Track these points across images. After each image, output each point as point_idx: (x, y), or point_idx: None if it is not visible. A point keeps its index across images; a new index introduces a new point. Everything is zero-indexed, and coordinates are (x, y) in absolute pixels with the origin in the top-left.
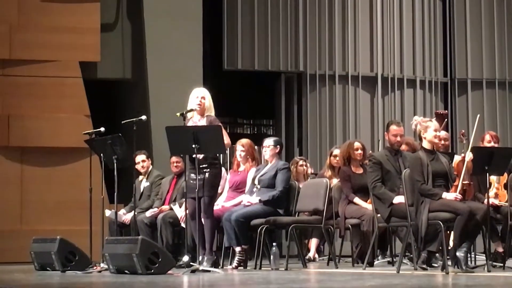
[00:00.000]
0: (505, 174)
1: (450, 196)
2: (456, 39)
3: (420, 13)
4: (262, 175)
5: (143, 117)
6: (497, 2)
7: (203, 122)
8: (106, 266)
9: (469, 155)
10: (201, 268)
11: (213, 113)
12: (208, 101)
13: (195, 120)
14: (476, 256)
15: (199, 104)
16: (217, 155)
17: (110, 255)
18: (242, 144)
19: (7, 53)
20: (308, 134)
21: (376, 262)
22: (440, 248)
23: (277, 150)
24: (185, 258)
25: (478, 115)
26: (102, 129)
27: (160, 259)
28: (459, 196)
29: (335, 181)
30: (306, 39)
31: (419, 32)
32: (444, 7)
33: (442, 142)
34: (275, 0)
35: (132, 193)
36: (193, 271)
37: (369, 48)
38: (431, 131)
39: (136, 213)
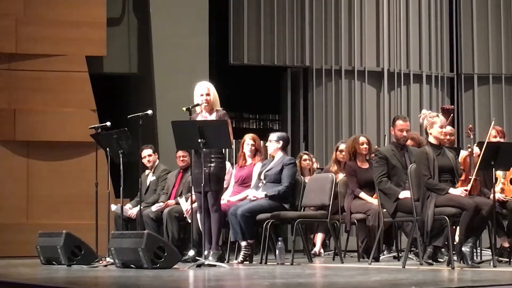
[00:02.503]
0: (511, 169)
1: (456, 191)
2: (463, 34)
3: (427, 8)
4: (268, 170)
5: (149, 112)
6: None
7: (213, 117)
8: (112, 261)
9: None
10: (206, 262)
11: (218, 105)
12: (213, 95)
13: (204, 115)
14: (482, 251)
15: (206, 105)
16: (223, 149)
17: (116, 249)
18: (252, 138)
19: (13, 47)
20: (314, 129)
21: (381, 257)
22: (446, 243)
23: (279, 145)
24: (191, 253)
25: (493, 120)
26: (108, 123)
27: (165, 254)
28: (464, 192)
29: (341, 175)
30: (312, 33)
31: (425, 27)
32: (450, 1)
33: (448, 137)
34: None
35: (138, 187)
36: (198, 266)
37: (375, 43)
38: (436, 127)
39: (142, 207)
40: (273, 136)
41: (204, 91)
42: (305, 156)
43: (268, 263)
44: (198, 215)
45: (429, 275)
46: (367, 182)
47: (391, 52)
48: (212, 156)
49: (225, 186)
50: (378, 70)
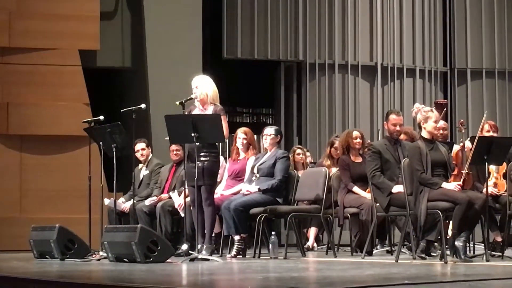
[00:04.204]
0: (504, 164)
1: (450, 185)
2: (456, 29)
3: (420, 2)
4: (261, 164)
5: (143, 106)
6: None
7: (209, 111)
8: (105, 254)
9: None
10: (200, 256)
11: (216, 100)
12: (203, 90)
13: (200, 109)
14: (475, 246)
15: (197, 98)
16: (216, 143)
17: (109, 243)
18: (244, 132)
19: (7, 41)
20: (308, 123)
21: (375, 251)
22: (439, 237)
23: (278, 140)
24: (184, 247)
25: (486, 113)
26: (102, 117)
27: (159, 248)
28: (458, 187)
29: (334, 170)
30: (305, 28)
31: (419, 21)
32: None
33: (441, 131)
34: None
35: (131, 181)
36: (192, 260)
37: (368, 37)
38: (431, 122)
39: (135, 201)
40: (270, 130)
41: (194, 85)
42: (298, 150)
43: (261, 257)
44: (192, 209)
45: (422, 269)
46: (360, 177)
47: (385, 46)
48: (206, 150)
49: (218, 180)
50: (371, 65)
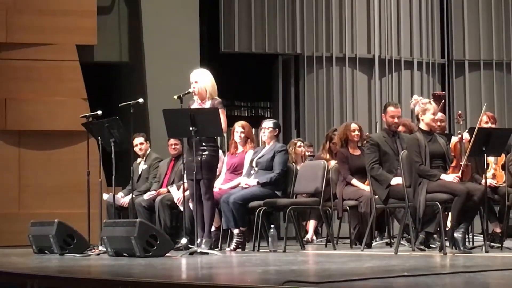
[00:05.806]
0: (503, 155)
1: (448, 177)
2: (454, 20)
3: None
4: (259, 158)
5: (140, 100)
6: None
7: (208, 105)
8: (104, 249)
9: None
10: (199, 250)
11: (215, 94)
12: (204, 84)
13: (199, 103)
14: (474, 237)
15: (196, 92)
16: (215, 137)
17: (108, 238)
18: (242, 126)
19: (4, 36)
20: (306, 116)
21: (374, 244)
22: (438, 229)
23: (276, 133)
24: (183, 241)
25: (485, 105)
26: (99, 112)
27: (158, 242)
28: (456, 179)
29: (332, 162)
30: (303, 21)
31: (416, 13)
32: None
33: (438, 123)
34: None
35: (130, 176)
36: (191, 254)
37: (366, 29)
38: (429, 114)
39: (134, 196)
40: (268, 123)
41: (193, 79)
42: (299, 143)
43: (260, 250)
44: (191, 203)
45: (421, 261)
46: (359, 169)
47: (382, 38)
48: (205, 144)
49: (217, 174)
50: (369, 57)
